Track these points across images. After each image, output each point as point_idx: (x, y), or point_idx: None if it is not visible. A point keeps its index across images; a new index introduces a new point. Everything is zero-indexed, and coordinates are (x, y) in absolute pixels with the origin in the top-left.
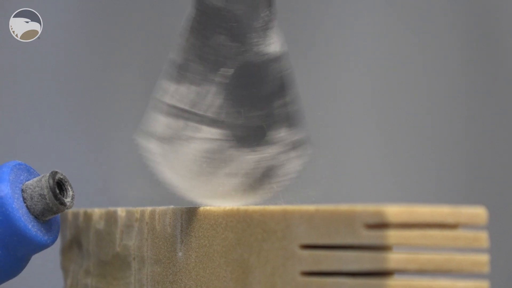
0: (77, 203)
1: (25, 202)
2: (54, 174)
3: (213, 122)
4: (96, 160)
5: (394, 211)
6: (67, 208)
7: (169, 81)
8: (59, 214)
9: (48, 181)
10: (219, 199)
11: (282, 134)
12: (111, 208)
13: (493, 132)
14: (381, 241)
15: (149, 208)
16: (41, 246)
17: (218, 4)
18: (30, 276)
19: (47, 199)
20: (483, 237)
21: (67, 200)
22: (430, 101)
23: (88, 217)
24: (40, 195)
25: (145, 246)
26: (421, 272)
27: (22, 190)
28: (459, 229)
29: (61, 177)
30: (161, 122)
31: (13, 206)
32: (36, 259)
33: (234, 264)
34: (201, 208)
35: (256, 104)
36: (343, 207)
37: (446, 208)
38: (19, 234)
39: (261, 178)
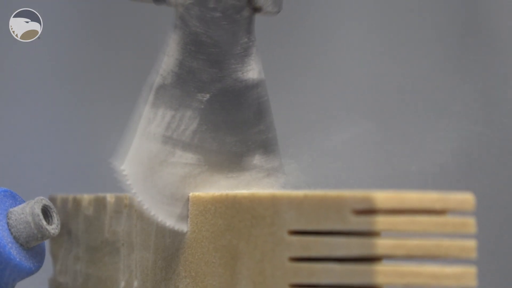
0: (66, 189)
1: (9, 229)
2: (39, 201)
3: (187, 147)
4: (86, 145)
5: (382, 197)
6: (52, 235)
7: (145, 105)
8: (45, 241)
9: (33, 208)
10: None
11: (256, 161)
12: (100, 194)
13: (483, 118)
14: (370, 227)
15: None
16: (25, 273)
17: (198, 30)
18: None
19: (32, 226)
20: (470, 223)
21: (52, 227)
22: (417, 90)
23: (77, 203)
24: (25, 222)
25: (134, 232)
26: (409, 257)
27: (7, 217)
28: (447, 215)
29: (46, 204)
30: (136, 146)
31: None
32: None
33: (223, 250)
34: (190, 195)
35: (231, 130)
36: (332, 193)
37: (434, 194)
38: (3, 262)
39: None
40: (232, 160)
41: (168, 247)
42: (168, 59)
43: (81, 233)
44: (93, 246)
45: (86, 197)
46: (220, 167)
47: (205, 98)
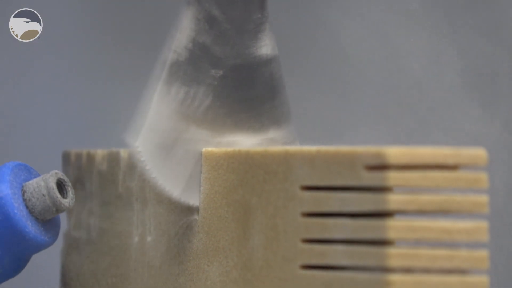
0: (80, 144)
1: (25, 203)
2: (54, 174)
3: (201, 123)
4: (100, 101)
5: (394, 152)
6: (67, 209)
7: (159, 82)
8: (59, 214)
9: (48, 182)
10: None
11: (270, 136)
12: (114, 149)
13: (494, 72)
14: (382, 183)
15: None
16: (41, 246)
17: (211, 6)
18: None
19: (47, 199)
20: (483, 178)
21: (67, 200)
22: (430, 49)
23: (91, 158)
24: (40, 195)
25: (148, 187)
26: (421, 212)
27: (22, 191)
28: (459, 170)
29: (61, 177)
30: (150, 122)
31: (13, 206)
32: None
33: (235, 205)
34: (204, 150)
35: (245, 106)
36: (344, 149)
37: (446, 150)
38: (19, 235)
39: None
40: (246, 136)
41: (182, 203)
42: (181, 35)
43: (95, 188)
44: (107, 201)
45: (100, 152)
46: (234, 143)
47: (218, 74)
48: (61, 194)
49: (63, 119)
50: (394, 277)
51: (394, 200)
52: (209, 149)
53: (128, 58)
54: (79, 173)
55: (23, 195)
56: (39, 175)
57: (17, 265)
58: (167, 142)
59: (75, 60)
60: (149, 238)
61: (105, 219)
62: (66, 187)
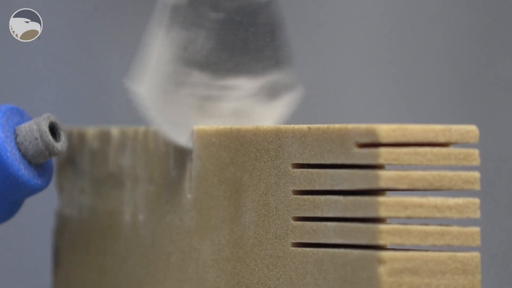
0: (71, 121)
1: (17, 146)
2: (46, 118)
3: (203, 67)
4: (91, 78)
5: (386, 129)
6: (59, 152)
7: (159, 26)
8: (52, 158)
9: (41, 125)
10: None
11: (271, 78)
12: (105, 127)
13: (486, 52)
14: (373, 160)
15: (142, 127)
16: (34, 190)
17: None
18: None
19: (40, 143)
20: (474, 155)
21: (59, 144)
22: (423, 22)
23: (81, 135)
24: (33, 138)
25: (139, 165)
26: (412, 189)
27: (15, 134)
28: (450, 147)
29: (53, 121)
30: (152, 68)
31: (6, 150)
32: None
33: (227, 183)
34: (195, 128)
35: (246, 49)
36: (335, 126)
37: (438, 126)
38: (11, 178)
39: None
40: (248, 79)
41: (173, 181)
42: None
43: (86, 166)
44: (98, 179)
45: (90, 130)
46: (236, 86)
47: (219, 17)
48: (53, 137)
49: (58, 101)
50: (386, 254)
51: (385, 177)
52: (200, 126)
53: (127, 57)
54: (70, 151)
55: (15, 138)
56: (31, 119)
57: (10, 209)
58: (170, 86)
59: (74, 59)
60: (140, 217)
61: (96, 197)
62: (58, 130)
